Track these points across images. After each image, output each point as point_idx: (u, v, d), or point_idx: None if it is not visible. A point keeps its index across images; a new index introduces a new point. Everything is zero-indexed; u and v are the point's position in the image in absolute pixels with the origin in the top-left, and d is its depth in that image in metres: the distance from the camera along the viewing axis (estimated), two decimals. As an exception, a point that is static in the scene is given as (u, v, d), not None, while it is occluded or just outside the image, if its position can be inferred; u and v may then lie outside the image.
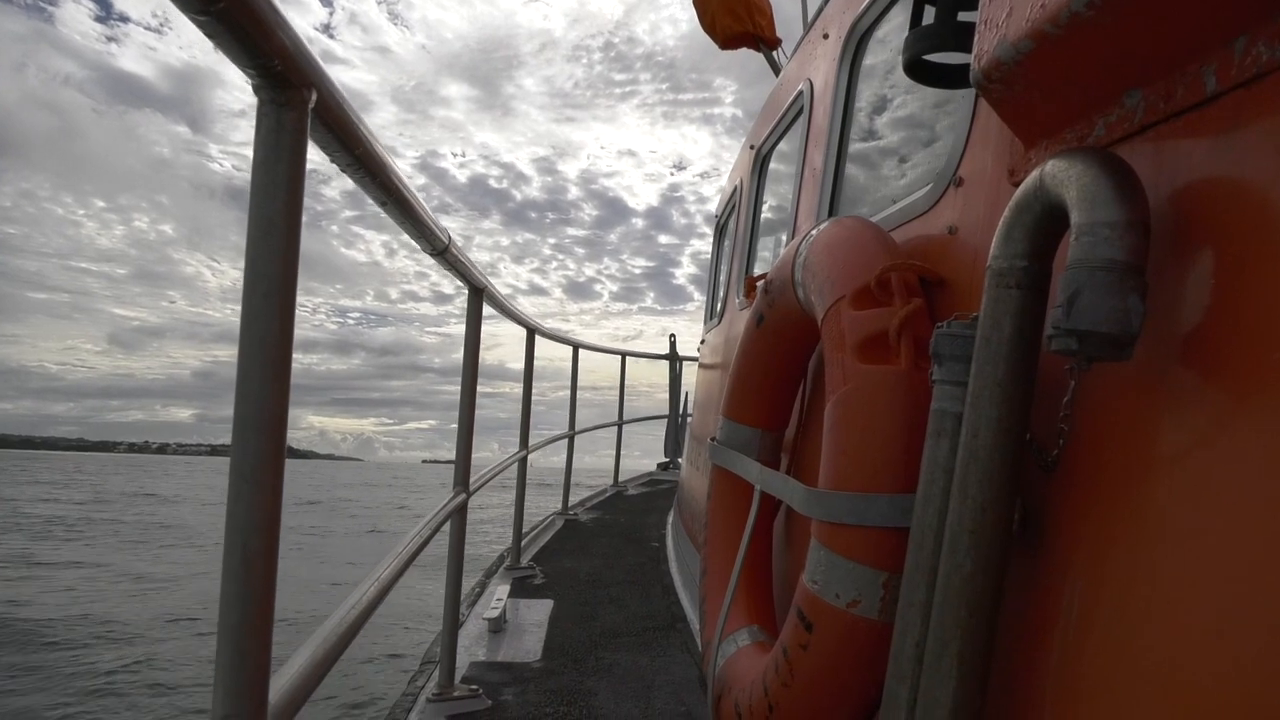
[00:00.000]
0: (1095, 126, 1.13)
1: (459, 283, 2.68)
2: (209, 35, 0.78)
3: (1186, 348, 0.94)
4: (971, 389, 1.17)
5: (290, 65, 0.87)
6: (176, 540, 22.92)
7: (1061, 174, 1.03)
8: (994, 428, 1.13)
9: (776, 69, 4.69)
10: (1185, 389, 0.94)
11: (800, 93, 3.23)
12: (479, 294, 2.82)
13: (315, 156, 1.01)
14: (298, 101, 0.91)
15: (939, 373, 1.31)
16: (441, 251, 2.00)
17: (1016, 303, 1.12)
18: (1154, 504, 0.96)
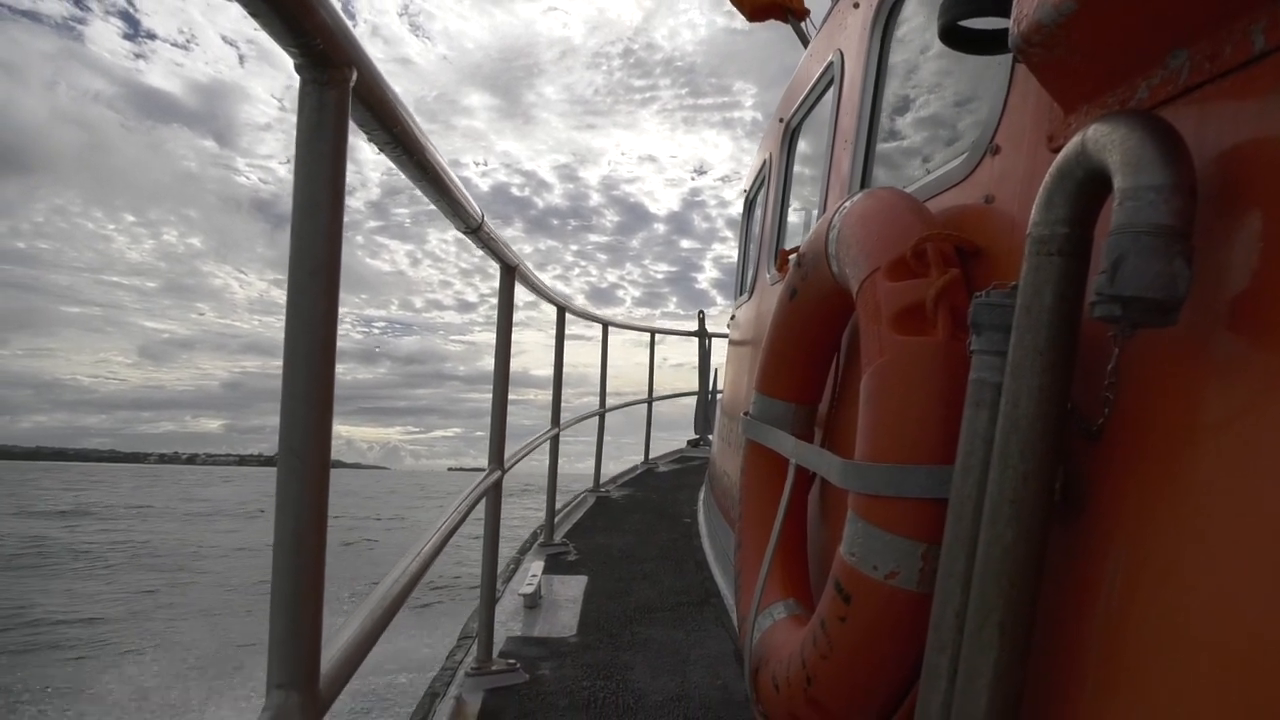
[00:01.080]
0: (1138, 89, 1.11)
1: (492, 280, 2.70)
2: (253, 14, 0.79)
3: (1233, 313, 0.93)
4: (1012, 358, 1.16)
5: (331, 44, 0.88)
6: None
7: (1104, 138, 1.01)
8: (1035, 397, 1.12)
9: (805, 40, 4.64)
10: (1232, 355, 0.93)
11: (830, 63, 3.19)
12: (511, 272, 2.84)
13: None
14: (339, 80, 0.91)
15: (978, 342, 1.30)
16: (475, 229, 2.02)
17: (1058, 270, 1.10)
18: (1199, 472, 0.95)
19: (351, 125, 0.99)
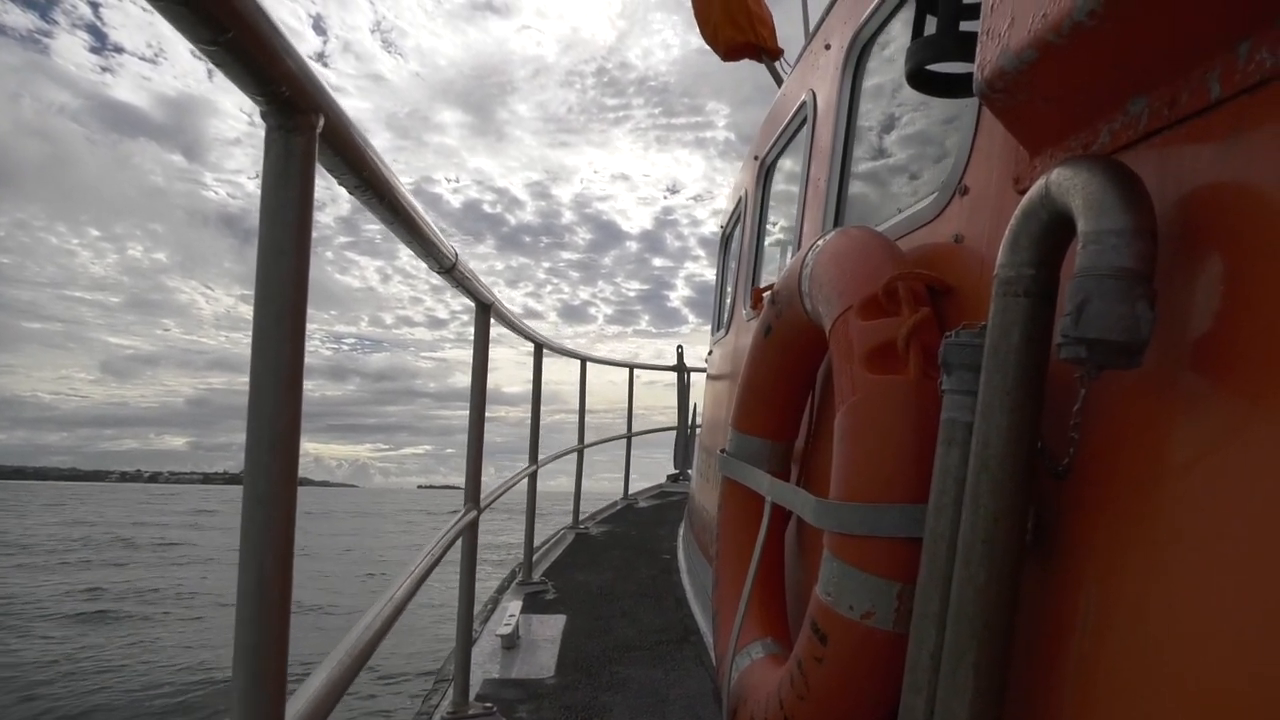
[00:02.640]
0: (1100, 134, 1.13)
1: (465, 300, 2.69)
2: (217, 64, 0.79)
3: (1196, 354, 0.94)
4: (981, 398, 1.16)
5: (298, 91, 0.88)
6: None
7: (1067, 182, 1.03)
8: (1004, 437, 1.12)
9: (779, 79, 4.71)
10: (1196, 395, 0.94)
11: (803, 103, 3.24)
12: (486, 310, 2.83)
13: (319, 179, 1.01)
14: (306, 126, 0.91)
15: (948, 382, 1.30)
16: (449, 269, 2.01)
17: (1024, 311, 1.11)
18: (1167, 511, 0.96)
19: (320, 169, 0.99)
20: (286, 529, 0.93)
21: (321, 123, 0.94)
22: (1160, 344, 0.98)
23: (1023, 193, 1.26)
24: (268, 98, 0.86)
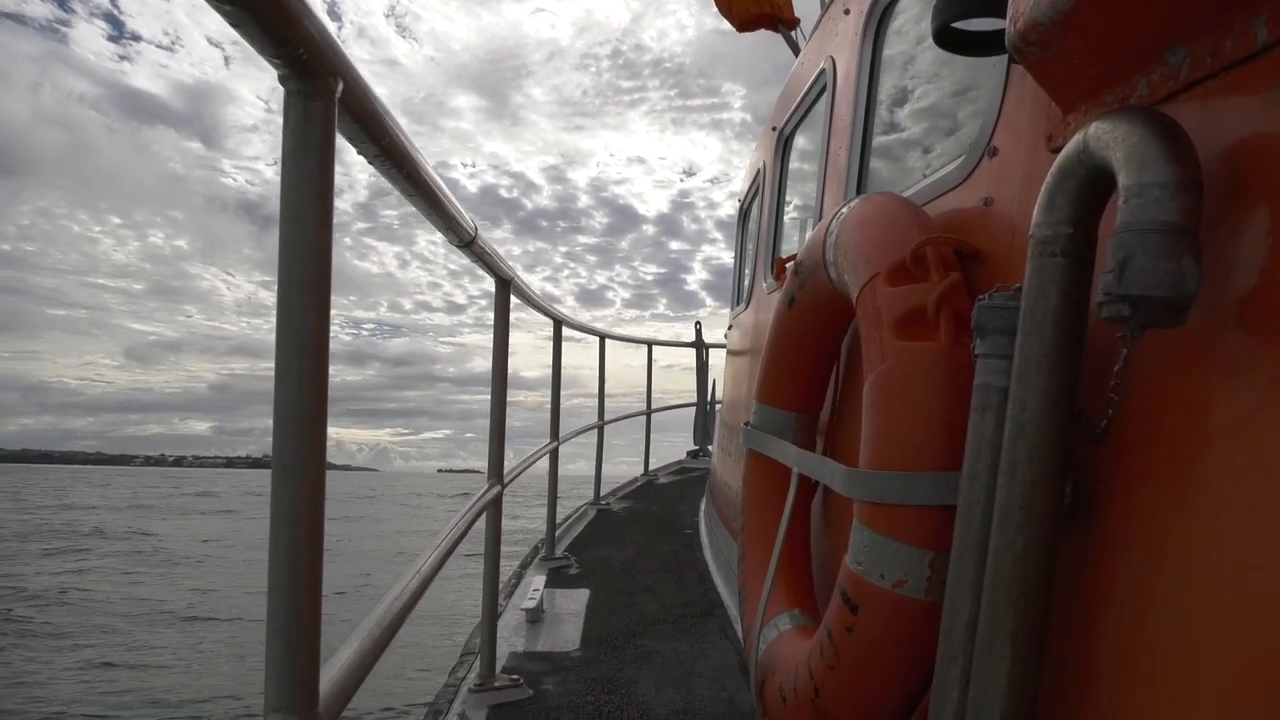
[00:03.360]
0: (1137, 87, 1.09)
1: (484, 284, 2.67)
2: (234, 25, 0.77)
3: (1242, 311, 0.91)
4: (1017, 362, 1.14)
5: (316, 54, 0.86)
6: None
7: (1107, 135, 1.00)
8: (1042, 400, 1.10)
9: (796, 49, 4.64)
10: (1241, 354, 0.91)
11: (822, 71, 3.19)
12: (506, 285, 2.82)
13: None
14: (324, 91, 0.90)
15: (982, 346, 1.28)
16: (469, 243, 2.00)
17: (1061, 271, 1.09)
18: (1211, 474, 0.93)
19: (339, 138, 0.97)
20: (316, 500, 0.93)
21: (340, 87, 0.92)
22: (1204, 301, 0.95)
23: (1055, 151, 1.22)
24: (285, 60, 0.84)
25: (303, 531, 0.91)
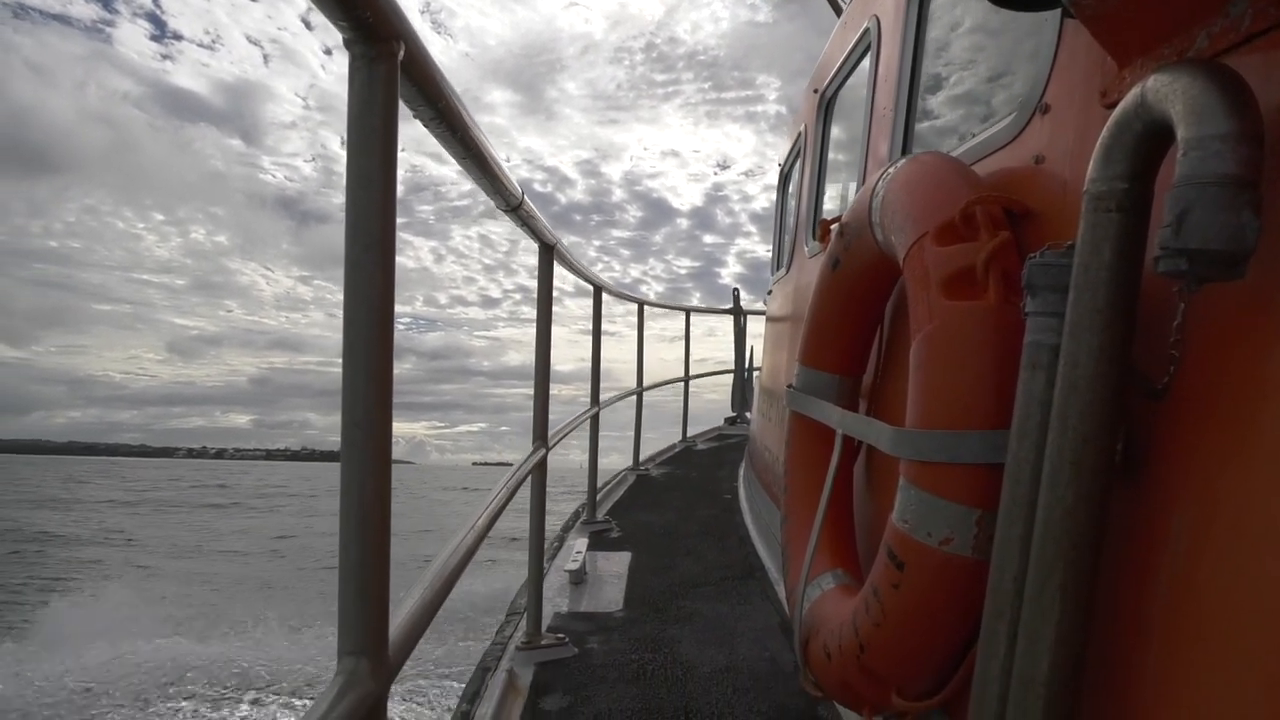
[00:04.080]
0: (1197, 39, 1.07)
1: (530, 241, 2.70)
2: None
3: None
4: (1070, 318, 1.14)
5: (379, 16, 0.88)
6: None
7: (1165, 88, 0.98)
8: (1095, 357, 1.10)
9: (838, 9, 4.57)
10: None
11: (866, 30, 3.14)
12: (550, 250, 2.84)
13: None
14: (387, 54, 0.92)
15: (1033, 304, 1.27)
16: (515, 207, 2.02)
17: (1117, 226, 1.08)
18: (1267, 432, 0.93)
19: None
20: (383, 454, 0.96)
21: (402, 51, 0.94)
22: (1264, 256, 0.94)
23: (1110, 106, 1.21)
24: (352, 23, 0.87)
25: (371, 488, 0.95)
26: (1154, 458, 1.14)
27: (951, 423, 1.49)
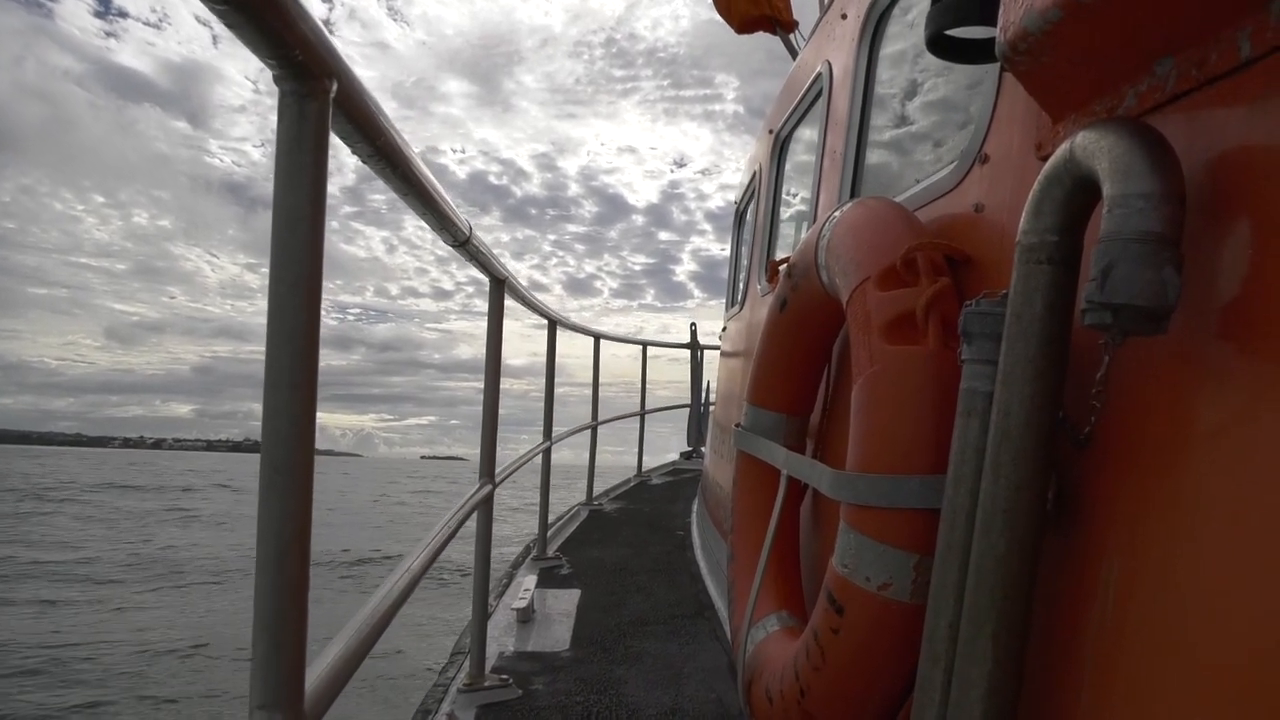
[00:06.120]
0: (1125, 97, 1.10)
1: (474, 274, 2.68)
2: (229, 26, 0.78)
3: (1223, 321, 0.92)
4: (1002, 367, 1.15)
5: (312, 55, 0.87)
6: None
7: (1092, 145, 1.01)
8: (1026, 405, 1.11)
9: (794, 51, 4.66)
10: (1222, 363, 0.92)
11: (819, 74, 3.20)
12: (500, 285, 2.82)
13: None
14: (319, 92, 0.90)
15: (968, 351, 1.29)
16: (463, 243, 2.00)
17: (1047, 278, 1.10)
18: (1192, 480, 0.95)
19: (334, 139, 0.98)
20: (304, 498, 0.93)
21: (335, 88, 0.93)
22: (1186, 311, 0.96)
23: (1045, 159, 1.23)
24: (280, 61, 0.85)
25: (290, 530, 0.92)
26: (1083, 505, 1.15)
27: (891, 467, 1.50)
